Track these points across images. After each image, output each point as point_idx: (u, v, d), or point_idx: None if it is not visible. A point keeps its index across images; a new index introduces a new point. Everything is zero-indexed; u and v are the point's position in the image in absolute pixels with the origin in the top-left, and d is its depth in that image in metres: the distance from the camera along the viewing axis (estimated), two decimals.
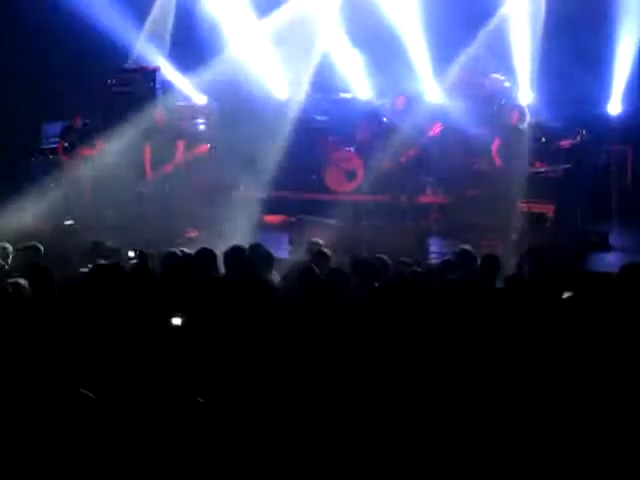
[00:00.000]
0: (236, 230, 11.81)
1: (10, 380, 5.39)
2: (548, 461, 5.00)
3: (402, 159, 12.54)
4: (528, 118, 12.36)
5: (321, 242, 8.97)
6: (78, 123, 12.85)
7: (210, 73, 15.06)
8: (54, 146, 14.19)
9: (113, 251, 8.05)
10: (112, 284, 6.91)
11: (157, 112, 12.96)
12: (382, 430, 5.17)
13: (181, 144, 12.67)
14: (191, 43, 15.23)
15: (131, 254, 8.55)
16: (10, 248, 7.84)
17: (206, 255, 7.67)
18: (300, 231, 11.77)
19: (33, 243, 8.28)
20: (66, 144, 12.95)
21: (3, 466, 4.80)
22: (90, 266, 7.59)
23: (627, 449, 5.03)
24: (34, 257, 7.91)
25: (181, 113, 15.37)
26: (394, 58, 14.84)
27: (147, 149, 12.71)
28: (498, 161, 12.04)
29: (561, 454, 5.03)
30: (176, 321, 6.28)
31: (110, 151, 12.89)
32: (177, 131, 12.94)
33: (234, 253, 7.68)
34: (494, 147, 12.12)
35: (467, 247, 8.37)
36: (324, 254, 8.09)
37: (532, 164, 12.33)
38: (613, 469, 4.97)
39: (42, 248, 8.09)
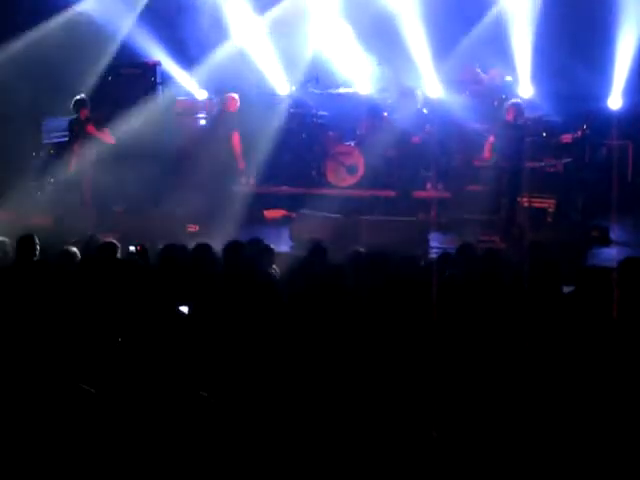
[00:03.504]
0: (236, 225, 11.81)
1: (9, 373, 5.39)
2: (548, 461, 5.00)
3: (404, 151, 12.53)
4: (525, 114, 12.31)
5: (321, 237, 8.97)
6: (84, 115, 12.70)
7: (210, 68, 15.07)
8: (56, 141, 14.15)
9: (113, 246, 7.99)
10: (108, 278, 6.91)
11: (230, 98, 12.80)
12: (386, 423, 5.17)
13: (236, 136, 12.56)
14: (191, 37, 15.22)
15: (131, 249, 8.53)
16: (9, 242, 7.76)
17: (205, 250, 7.66)
18: (301, 226, 11.78)
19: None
20: (70, 136, 12.88)
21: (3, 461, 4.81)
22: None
23: (628, 444, 5.03)
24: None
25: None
26: (395, 52, 14.83)
27: (235, 137, 12.53)
28: (488, 155, 12.00)
29: (561, 452, 5.03)
30: (183, 309, 6.33)
31: (117, 145, 12.84)
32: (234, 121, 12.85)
33: (233, 248, 7.67)
34: (488, 141, 12.10)
35: (468, 242, 8.37)
36: (324, 249, 8.08)
37: (533, 159, 12.31)
38: (614, 466, 4.97)
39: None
